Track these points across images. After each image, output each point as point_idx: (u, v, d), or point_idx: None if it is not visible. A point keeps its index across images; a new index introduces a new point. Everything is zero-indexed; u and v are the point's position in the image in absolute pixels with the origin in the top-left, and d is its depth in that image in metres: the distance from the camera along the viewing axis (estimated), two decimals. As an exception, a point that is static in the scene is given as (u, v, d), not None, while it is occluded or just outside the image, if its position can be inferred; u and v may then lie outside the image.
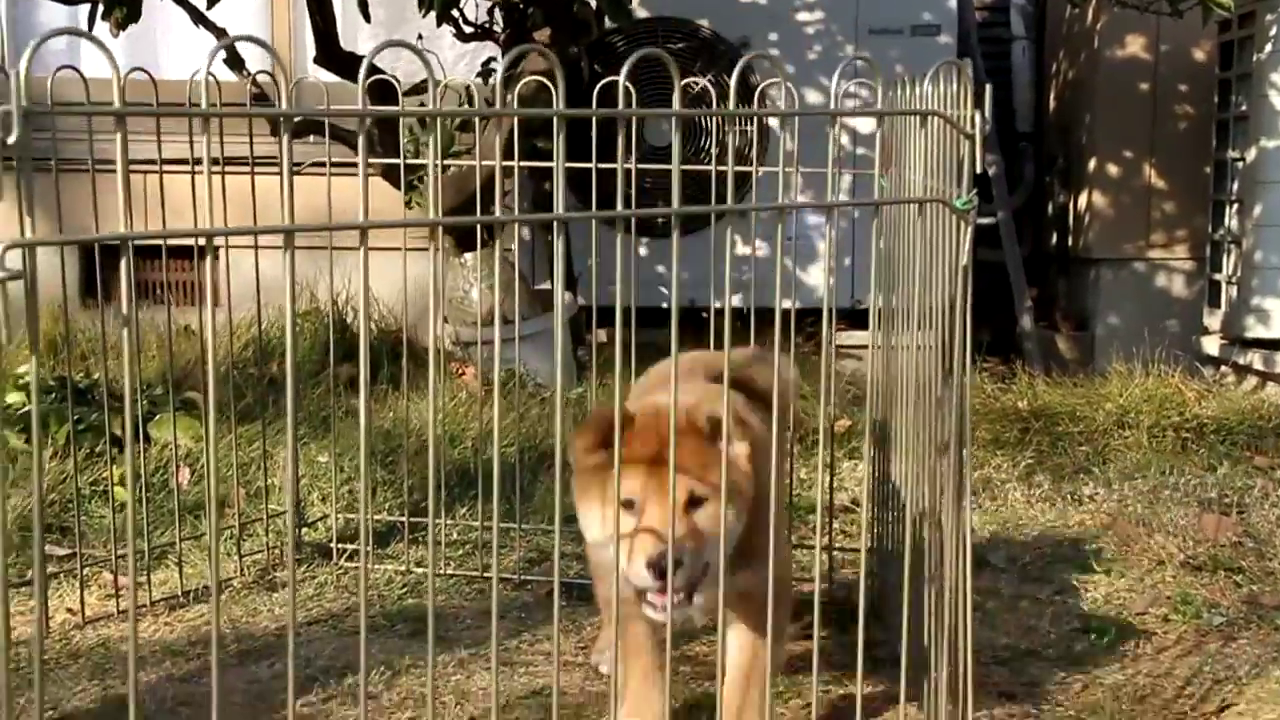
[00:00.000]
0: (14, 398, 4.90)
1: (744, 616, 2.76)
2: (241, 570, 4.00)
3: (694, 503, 2.55)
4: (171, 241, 5.56)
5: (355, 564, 4.06)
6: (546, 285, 6.85)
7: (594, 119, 3.59)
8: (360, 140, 1.97)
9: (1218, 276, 6.61)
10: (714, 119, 6.75)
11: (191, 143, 3.54)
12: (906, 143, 3.01)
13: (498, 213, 3.42)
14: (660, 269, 6.74)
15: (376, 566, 4.03)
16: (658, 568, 2.45)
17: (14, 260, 1.59)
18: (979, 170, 2.29)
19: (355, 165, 4.86)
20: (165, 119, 3.24)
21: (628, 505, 2.49)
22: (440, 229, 6.04)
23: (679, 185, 2.09)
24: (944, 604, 2.59)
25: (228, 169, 3.67)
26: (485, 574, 3.94)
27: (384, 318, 6.84)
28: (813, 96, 6.67)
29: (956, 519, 2.57)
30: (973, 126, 2.31)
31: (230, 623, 3.64)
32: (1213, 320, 6.65)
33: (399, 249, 4.01)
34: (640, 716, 2.83)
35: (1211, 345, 6.57)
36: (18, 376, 5.07)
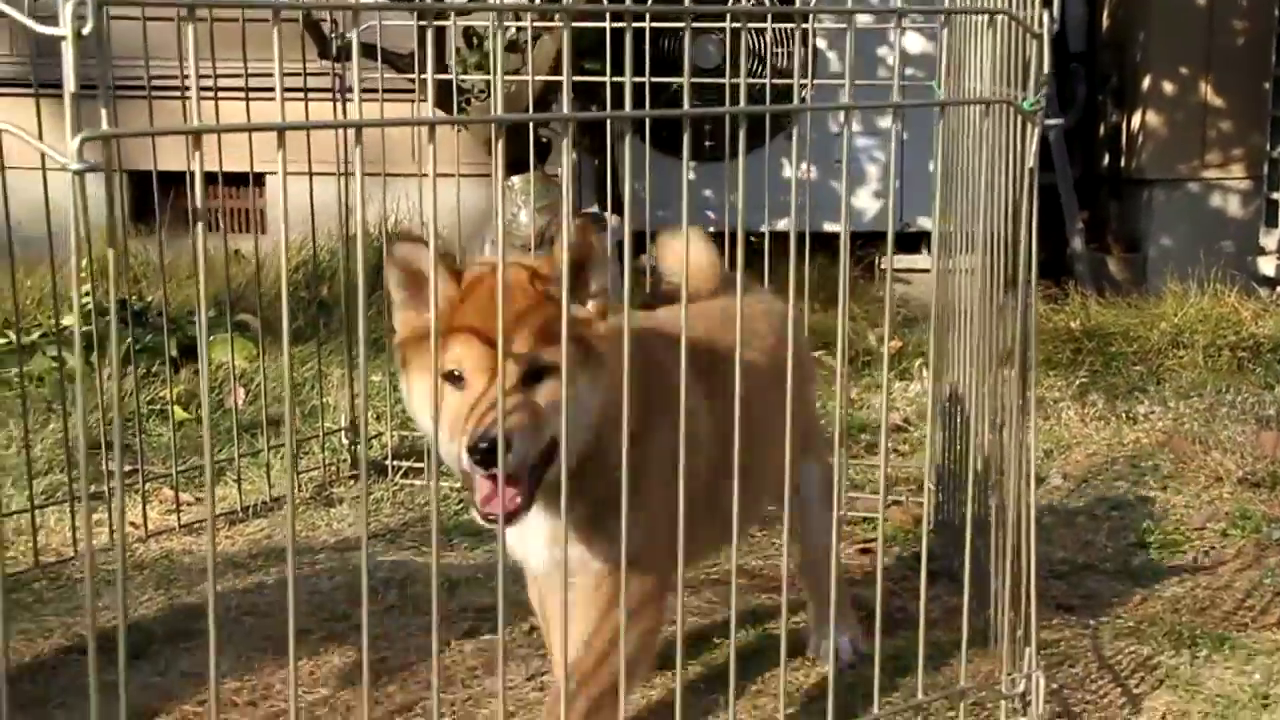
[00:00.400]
0: (68, 320, 4.91)
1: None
2: (299, 486, 4.01)
3: (534, 375, 2.10)
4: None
5: (410, 481, 4.06)
6: (594, 208, 6.81)
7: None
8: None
9: (1276, 195, 6.49)
10: (764, 40, 6.68)
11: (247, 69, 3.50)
12: (967, 49, 2.95)
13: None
14: (708, 193, 6.69)
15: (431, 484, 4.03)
16: (479, 451, 2.02)
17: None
18: (1047, 71, 2.24)
19: (409, 91, 4.83)
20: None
21: (452, 379, 2.10)
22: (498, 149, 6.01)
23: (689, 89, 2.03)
24: (1006, 516, 2.57)
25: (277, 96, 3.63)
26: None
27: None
28: (863, 17, 6.56)
29: (1020, 427, 2.53)
30: (1041, 26, 2.25)
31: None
32: (1269, 240, 6.54)
33: (453, 175, 3.98)
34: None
35: (1268, 265, 6.47)
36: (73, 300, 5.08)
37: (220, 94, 3.66)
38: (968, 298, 3.04)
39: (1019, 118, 2.32)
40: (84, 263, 5.11)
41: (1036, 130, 2.28)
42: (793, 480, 2.52)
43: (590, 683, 2.23)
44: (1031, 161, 2.30)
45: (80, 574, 3.40)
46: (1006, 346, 2.60)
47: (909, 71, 6.35)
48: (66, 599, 3.24)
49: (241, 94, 3.59)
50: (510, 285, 1.97)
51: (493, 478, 2.07)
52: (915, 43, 6.26)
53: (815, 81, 5.94)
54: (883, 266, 6.61)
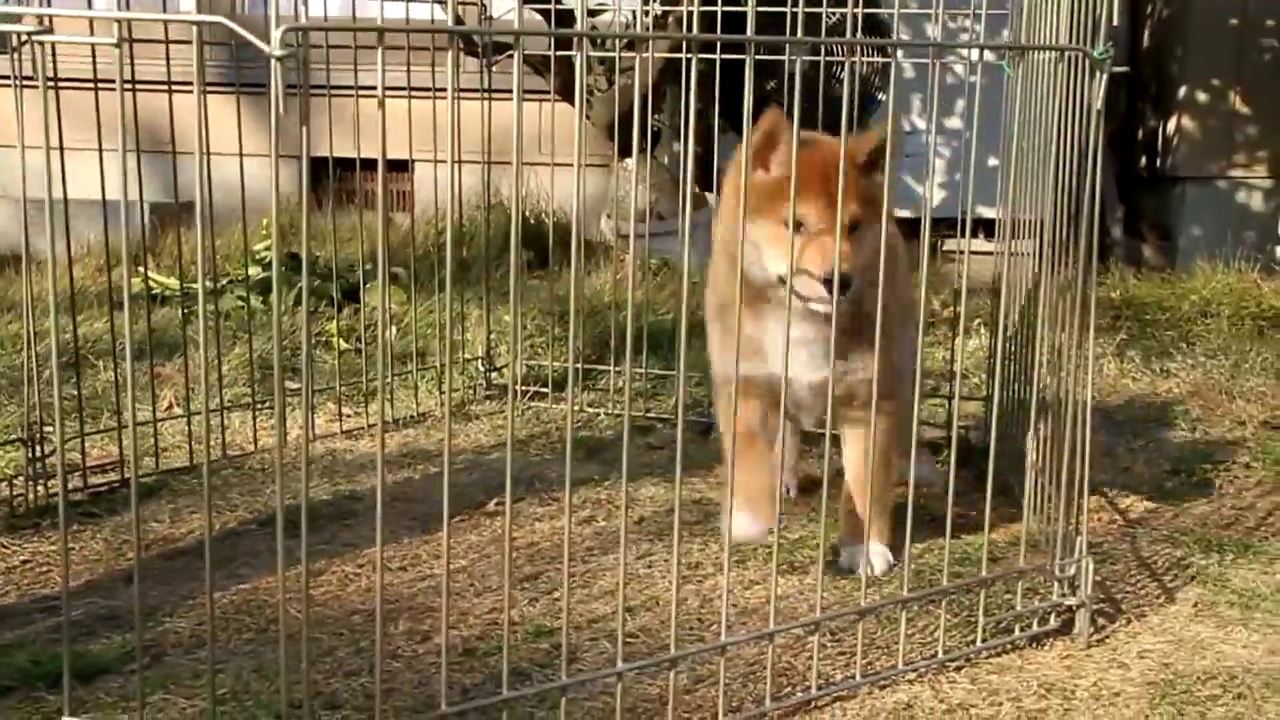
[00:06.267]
0: (252, 270, 5.01)
1: (862, 410, 2.60)
2: (442, 403, 4.04)
3: (853, 227, 2.46)
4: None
5: (535, 403, 4.08)
6: (695, 189, 6.78)
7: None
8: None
9: (1294, 192, 6.32)
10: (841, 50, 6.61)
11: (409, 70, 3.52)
12: (1037, 17, 2.89)
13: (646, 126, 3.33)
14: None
15: (551, 406, 4.05)
16: (830, 283, 2.38)
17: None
18: (1115, 23, 2.18)
19: (544, 91, 4.84)
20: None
21: (798, 226, 2.40)
22: (607, 141, 6.01)
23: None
24: (1064, 424, 2.53)
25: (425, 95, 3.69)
26: (647, 414, 3.93)
27: (557, 214, 6.83)
28: (928, 28, 6.47)
29: (1079, 345, 2.49)
30: (1108, -15, 2.20)
31: (433, 443, 3.69)
32: (1287, 231, 6.37)
33: (568, 164, 4.00)
34: (754, 505, 2.64)
35: (1285, 254, 6.31)
36: (255, 253, 5.18)
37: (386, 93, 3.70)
38: (1033, 256, 3.00)
39: (1089, 66, 2.27)
40: (265, 222, 5.18)
41: (1105, 76, 2.23)
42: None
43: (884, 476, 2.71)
44: (1099, 104, 2.25)
45: (257, 465, 3.45)
46: (1069, 275, 2.56)
47: (973, 79, 6.28)
48: (247, 484, 3.28)
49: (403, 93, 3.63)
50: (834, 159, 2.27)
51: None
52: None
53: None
54: (945, 248, 6.53)
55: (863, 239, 2.47)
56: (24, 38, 3.00)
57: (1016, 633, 2.43)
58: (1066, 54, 2.36)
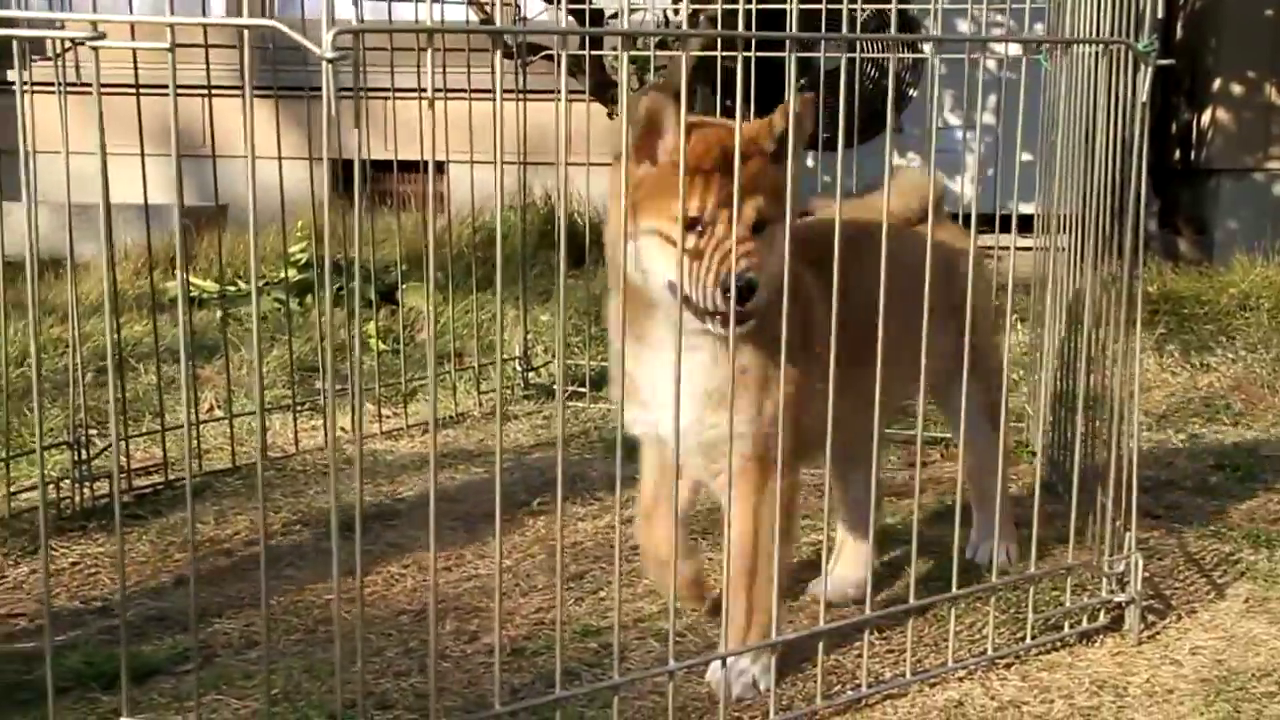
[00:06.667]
0: (287, 272, 5.03)
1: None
2: (480, 404, 4.04)
3: (758, 226, 2.01)
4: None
5: (573, 403, 4.08)
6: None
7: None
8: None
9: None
10: (876, 47, 6.59)
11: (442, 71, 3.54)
12: (1074, 10, 2.87)
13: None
14: (825, 179, 6.61)
15: (589, 406, 4.05)
16: (728, 288, 1.96)
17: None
18: (1160, 15, 2.17)
19: (579, 92, 4.87)
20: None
21: (692, 224, 1.97)
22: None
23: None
24: (1112, 422, 2.51)
25: (459, 95, 3.70)
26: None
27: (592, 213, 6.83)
28: (961, 24, 6.44)
29: (1126, 340, 2.47)
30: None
31: (473, 443, 3.70)
32: (1325, 223, 6.32)
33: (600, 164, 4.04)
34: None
35: (1324, 246, 6.25)
36: (290, 256, 5.20)
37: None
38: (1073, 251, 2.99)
39: (1132, 59, 2.25)
40: (300, 224, 5.20)
41: (1150, 69, 2.22)
42: (951, 394, 2.50)
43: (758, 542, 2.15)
44: (1144, 97, 2.23)
45: (299, 466, 3.47)
46: (1112, 271, 2.54)
47: (1005, 75, 6.25)
48: (290, 485, 3.30)
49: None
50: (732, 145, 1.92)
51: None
52: (1013, 49, 6.12)
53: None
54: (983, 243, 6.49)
55: (772, 240, 2.03)
56: (67, 44, 3.02)
57: (1066, 630, 2.41)
58: (1110, 47, 2.34)
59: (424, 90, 2.75)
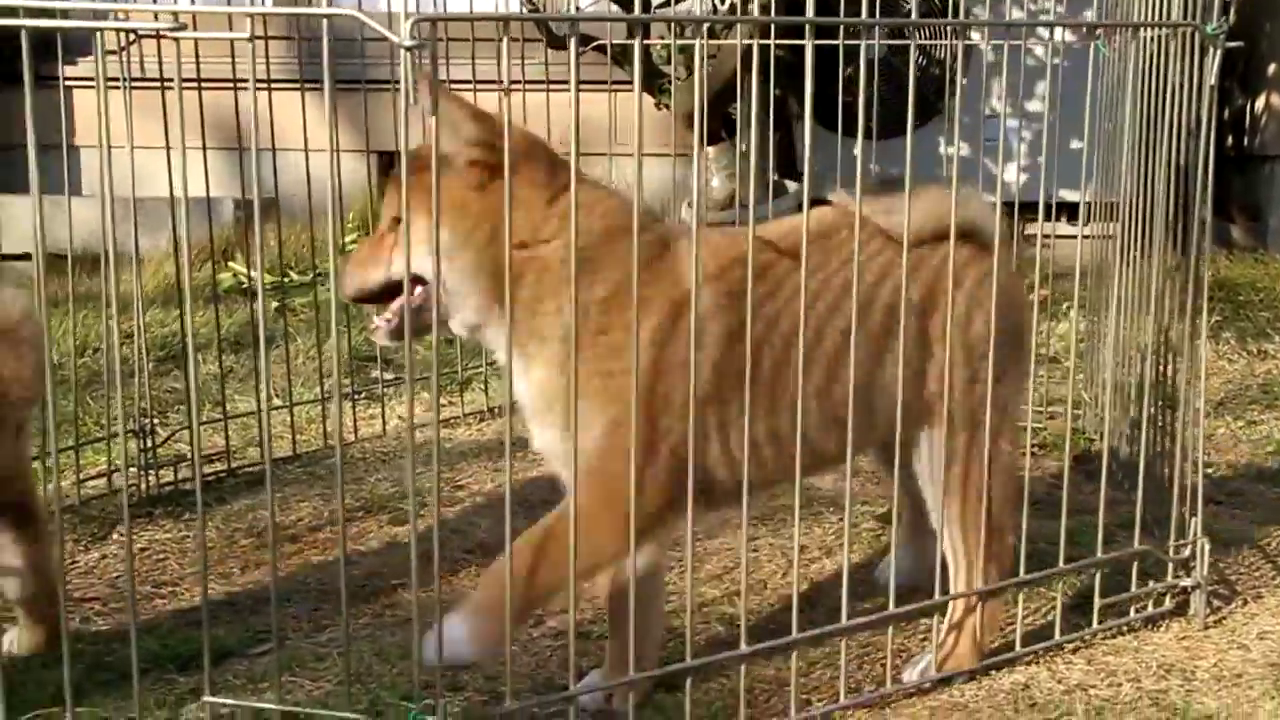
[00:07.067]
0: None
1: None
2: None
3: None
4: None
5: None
6: (776, 177, 6.77)
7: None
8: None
9: (1389, 169, 6.18)
10: (923, 34, 6.57)
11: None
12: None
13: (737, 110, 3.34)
14: (874, 168, 6.59)
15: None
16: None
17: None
18: (1228, -3, 2.16)
19: (627, 82, 4.88)
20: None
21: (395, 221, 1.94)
22: (686, 130, 6.02)
23: None
24: (1178, 408, 2.51)
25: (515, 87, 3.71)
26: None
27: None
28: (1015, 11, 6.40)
29: (1190, 329, 2.47)
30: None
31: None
32: (1382, 210, 6.23)
33: (646, 154, 4.03)
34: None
35: (1381, 232, 6.17)
36: (343, 246, 5.26)
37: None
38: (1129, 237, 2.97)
39: (1198, 42, 2.25)
40: (351, 214, 5.22)
41: (1219, 52, 2.21)
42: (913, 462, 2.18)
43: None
44: (1212, 80, 2.23)
45: (358, 454, 3.50)
46: (1176, 258, 2.53)
47: (1056, 62, 6.22)
48: (350, 471, 3.33)
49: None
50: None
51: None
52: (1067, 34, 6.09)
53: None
54: (1029, 232, 6.46)
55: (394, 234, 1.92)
56: (131, 37, 3.06)
57: (1131, 614, 2.41)
58: (1178, 30, 2.34)
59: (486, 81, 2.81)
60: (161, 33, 1.69)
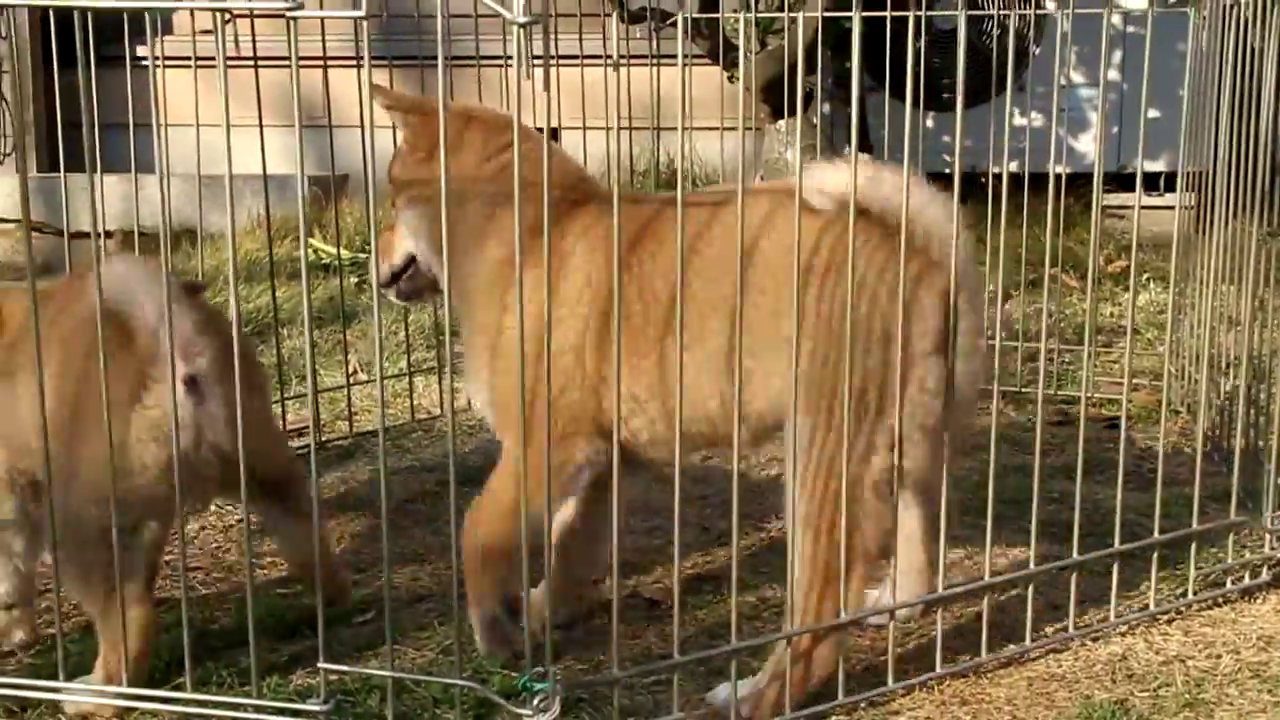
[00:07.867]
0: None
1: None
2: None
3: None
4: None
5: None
6: (847, 150, 6.74)
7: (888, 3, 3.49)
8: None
9: None
10: (996, 4, 6.51)
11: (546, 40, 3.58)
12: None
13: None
14: (945, 138, 6.56)
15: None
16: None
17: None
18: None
19: (699, 56, 4.86)
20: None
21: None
22: (759, 103, 6.01)
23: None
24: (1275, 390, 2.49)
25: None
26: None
27: (711, 177, 6.85)
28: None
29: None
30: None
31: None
32: None
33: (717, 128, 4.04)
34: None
35: None
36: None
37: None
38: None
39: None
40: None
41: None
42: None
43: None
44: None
45: (445, 428, 3.55)
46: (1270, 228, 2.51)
47: (1130, 30, 6.14)
48: (439, 445, 3.39)
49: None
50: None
51: None
52: (1138, 3, 6.03)
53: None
54: (1106, 203, 6.40)
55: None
56: (228, 16, 3.11)
57: (1228, 585, 2.40)
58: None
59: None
60: (281, 13, 1.70)
